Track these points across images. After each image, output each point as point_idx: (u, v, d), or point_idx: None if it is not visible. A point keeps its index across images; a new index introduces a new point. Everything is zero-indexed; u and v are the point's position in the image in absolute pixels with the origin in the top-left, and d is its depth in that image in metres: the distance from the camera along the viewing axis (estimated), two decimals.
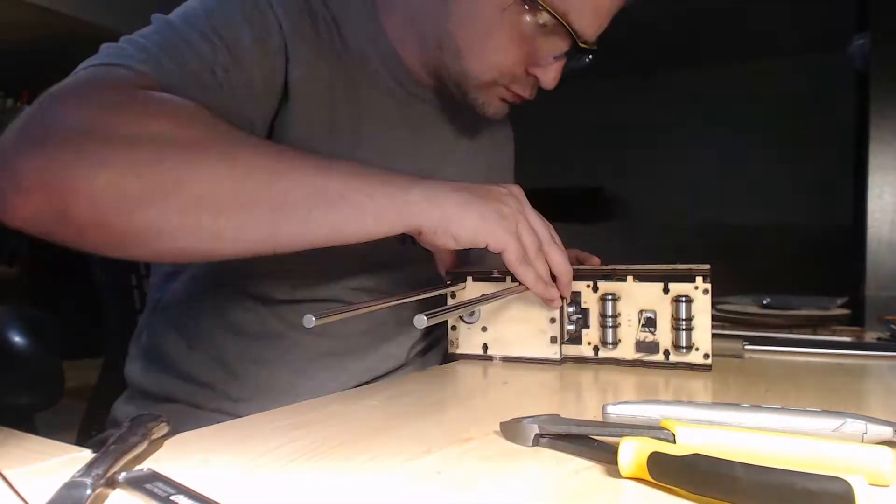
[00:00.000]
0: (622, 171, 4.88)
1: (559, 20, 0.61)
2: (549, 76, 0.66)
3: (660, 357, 0.59)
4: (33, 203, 0.43)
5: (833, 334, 0.91)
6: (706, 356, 0.58)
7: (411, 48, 0.70)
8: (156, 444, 0.34)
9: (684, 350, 0.58)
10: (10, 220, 0.44)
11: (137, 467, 0.30)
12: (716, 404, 0.40)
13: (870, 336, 0.89)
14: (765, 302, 1.07)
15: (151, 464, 0.31)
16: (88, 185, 0.42)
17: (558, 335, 0.61)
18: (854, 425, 0.37)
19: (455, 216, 0.52)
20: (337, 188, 0.49)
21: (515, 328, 0.61)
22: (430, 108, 0.75)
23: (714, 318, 1.07)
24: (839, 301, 1.05)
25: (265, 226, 0.48)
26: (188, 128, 0.47)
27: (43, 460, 0.32)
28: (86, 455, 0.32)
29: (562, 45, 0.64)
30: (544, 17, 0.61)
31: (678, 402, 0.40)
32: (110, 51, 0.53)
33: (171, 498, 0.27)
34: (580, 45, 0.63)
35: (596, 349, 0.61)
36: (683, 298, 0.58)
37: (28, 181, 0.43)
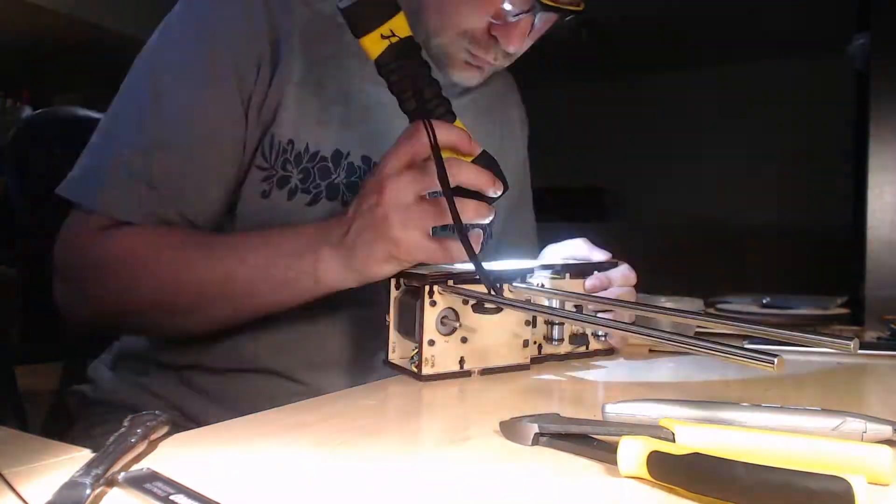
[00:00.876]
0: (623, 170, 4.87)
1: None
2: (512, 39, 0.62)
3: (583, 348, 0.64)
4: (75, 321, 0.68)
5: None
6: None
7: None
8: (154, 444, 0.34)
9: (602, 338, 0.65)
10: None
11: (136, 467, 0.30)
12: (715, 403, 0.40)
13: (870, 335, 0.89)
14: (764, 301, 1.07)
15: (151, 463, 0.31)
16: (106, 312, 0.63)
17: (530, 339, 0.58)
18: (853, 424, 0.37)
19: (354, 271, 0.55)
20: (248, 281, 0.58)
21: (493, 335, 0.56)
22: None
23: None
24: (839, 301, 1.05)
25: (226, 313, 0.61)
26: (149, 249, 0.60)
27: (42, 460, 0.32)
28: (85, 455, 0.32)
29: (521, 3, 0.61)
30: None
31: (677, 402, 0.40)
32: (82, 188, 0.61)
33: (171, 497, 0.27)
34: (543, 2, 0.60)
35: (540, 347, 0.62)
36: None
37: (68, 309, 0.64)
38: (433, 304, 0.53)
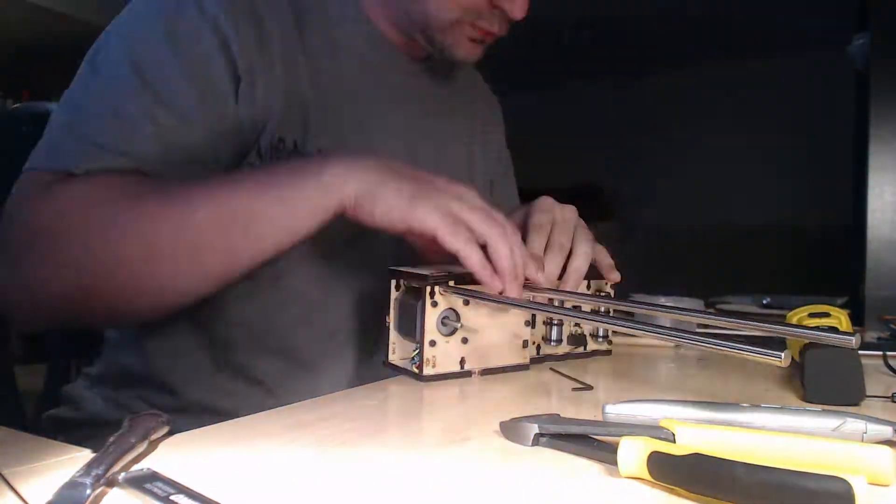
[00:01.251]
0: (622, 170, 4.88)
1: None
2: (517, 4, 0.62)
3: (580, 348, 0.64)
4: (27, 316, 0.56)
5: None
6: (609, 342, 0.66)
7: (379, 9, 0.68)
8: (155, 444, 0.34)
9: (601, 339, 0.65)
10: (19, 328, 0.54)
11: (137, 467, 0.30)
12: (715, 404, 0.40)
13: (870, 336, 0.89)
14: (764, 302, 1.07)
15: (151, 463, 0.31)
16: (60, 292, 0.51)
17: (529, 339, 0.57)
18: (854, 425, 0.37)
19: (374, 190, 0.48)
20: (245, 205, 0.50)
21: (493, 336, 0.56)
22: (409, 76, 0.73)
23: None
24: (839, 301, 1.05)
25: (187, 268, 0.51)
26: (99, 208, 0.51)
27: (42, 460, 0.32)
28: (86, 455, 0.32)
29: None
30: None
31: (677, 402, 0.40)
32: (35, 153, 0.54)
33: (171, 497, 0.27)
34: None
35: (538, 347, 0.61)
36: (604, 293, 0.65)
37: (12, 301, 0.54)
38: (434, 304, 0.52)
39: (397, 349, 0.57)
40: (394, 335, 0.56)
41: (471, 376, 0.54)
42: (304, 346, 0.65)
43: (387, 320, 0.56)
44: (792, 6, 3.48)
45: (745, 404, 0.39)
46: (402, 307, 0.56)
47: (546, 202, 0.63)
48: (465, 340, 0.54)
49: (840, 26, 2.39)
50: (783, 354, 0.34)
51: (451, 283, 0.53)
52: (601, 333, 0.65)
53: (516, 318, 0.57)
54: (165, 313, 0.56)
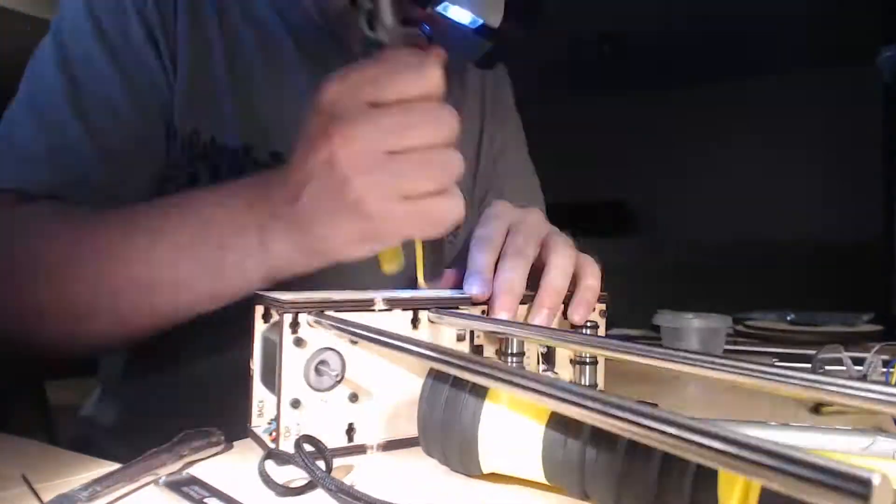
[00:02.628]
0: (647, 185, 4.85)
1: None
2: None
3: None
4: None
5: (865, 351, 0.89)
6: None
7: None
8: (192, 463, 0.34)
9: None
10: None
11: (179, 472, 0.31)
12: (741, 422, 0.39)
13: None
14: (788, 318, 1.06)
15: (201, 471, 0.32)
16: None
17: None
18: (884, 444, 0.37)
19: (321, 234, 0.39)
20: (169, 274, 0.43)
21: (400, 389, 0.37)
22: (332, 50, 0.63)
23: (742, 334, 1.06)
24: (865, 317, 1.03)
25: (110, 327, 0.46)
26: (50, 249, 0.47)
27: (74, 475, 0.32)
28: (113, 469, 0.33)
29: None
30: None
31: (707, 420, 0.40)
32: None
33: (205, 500, 0.28)
34: None
35: None
36: (589, 324, 0.44)
37: None
38: (299, 342, 0.34)
39: (266, 409, 0.39)
40: (259, 389, 0.39)
41: (365, 453, 0.37)
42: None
43: (251, 366, 0.39)
44: (819, 20, 3.45)
45: (773, 423, 0.39)
46: (265, 347, 0.38)
47: (495, 207, 0.47)
48: (353, 398, 0.36)
49: (867, 39, 2.36)
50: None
51: (329, 312, 0.35)
52: (587, 382, 0.44)
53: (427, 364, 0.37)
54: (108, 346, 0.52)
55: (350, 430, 0.36)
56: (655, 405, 0.47)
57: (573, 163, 4.98)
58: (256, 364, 0.39)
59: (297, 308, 0.34)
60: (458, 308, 0.39)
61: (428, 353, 0.30)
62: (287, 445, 0.34)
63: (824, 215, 4.18)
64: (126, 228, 0.45)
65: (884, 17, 1.88)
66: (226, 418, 0.40)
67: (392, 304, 0.37)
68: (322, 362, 0.35)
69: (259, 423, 0.39)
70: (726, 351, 0.83)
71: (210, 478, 0.30)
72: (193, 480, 0.29)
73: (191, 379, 0.60)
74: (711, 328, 0.77)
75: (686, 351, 0.27)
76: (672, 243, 4.28)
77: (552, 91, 4.48)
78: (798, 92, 4.31)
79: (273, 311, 0.38)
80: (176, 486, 0.29)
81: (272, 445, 0.35)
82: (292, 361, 0.34)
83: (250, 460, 0.34)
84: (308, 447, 0.31)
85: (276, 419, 0.35)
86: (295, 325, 0.34)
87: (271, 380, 0.36)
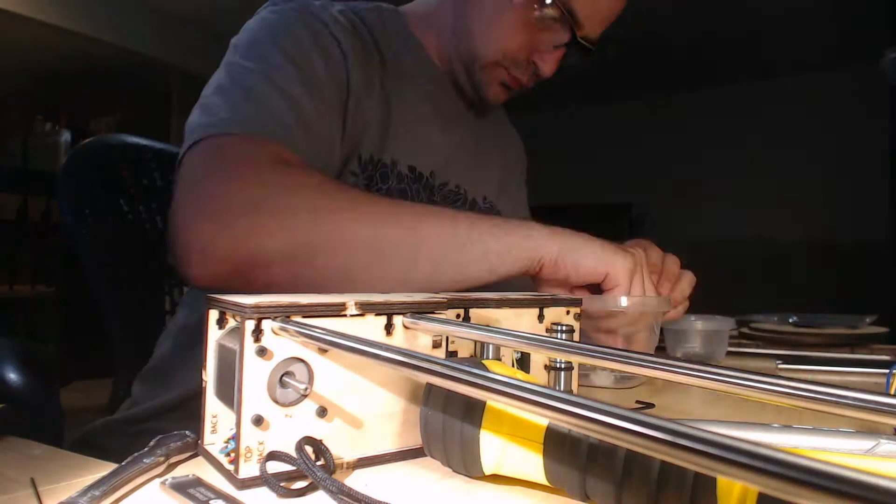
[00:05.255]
0: (652, 187, 4.84)
1: (563, 11, 0.67)
2: (548, 65, 0.71)
3: None
4: (216, 268, 0.50)
5: (871, 353, 0.89)
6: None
7: (433, 42, 0.76)
8: (174, 466, 0.34)
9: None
10: (192, 279, 0.51)
11: (183, 474, 0.31)
12: (743, 424, 0.39)
13: None
14: (791, 321, 1.05)
15: (204, 473, 0.32)
16: (263, 254, 0.50)
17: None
18: (888, 446, 0.37)
19: (577, 246, 0.54)
20: (465, 233, 0.53)
21: (372, 402, 0.35)
22: (456, 104, 0.80)
23: (746, 336, 1.06)
24: (868, 319, 1.03)
25: (399, 273, 0.52)
26: (325, 196, 0.53)
27: (79, 477, 0.32)
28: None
29: (563, 37, 0.69)
30: (550, 10, 0.67)
31: (705, 423, 0.40)
32: (218, 118, 0.56)
33: (211, 502, 0.28)
34: (579, 39, 0.69)
35: None
36: (562, 327, 0.44)
37: (213, 252, 0.50)
38: (262, 351, 0.31)
39: (220, 424, 0.35)
40: (214, 402, 0.35)
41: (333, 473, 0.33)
42: None
43: (203, 377, 0.35)
44: (823, 22, 3.44)
45: (775, 425, 0.39)
46: (221, 356, 0.35)
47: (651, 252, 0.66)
48: (322, 412, 0.33)
49: (873, 41, 2.35)
50: None
51: (296, 317, 0.32)
52: (562, 388, 0.45)
53: (403, 374, 0.35)
54: None
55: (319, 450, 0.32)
56: (652, 405, 0.46)
57: (581, 166, 4.98)
58: (210, 375, 0.35)
59: (261, 313, 0.30)
60: (433, 313, 0.37)
61: (416, 363, 0.26)
62: (248, 469, 0.30)
63: (829, 217, 4.17)
64: (406, 209, 0.55)
65: (890, 18, 1.87)
66: None
67: (364, 308, 0.34)
68: (287, 374, 0.32)
69: (213, 441, 0.35)
70: (730, 353, 0.83)
71: (214, 480, 0.31)
72: (199, 482, 0.30)
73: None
74: (715, 330, 0.77)
75: (660, 357, 0.27)
76: (676, 245, 4.28)
77: (557, 95, 4.48)
78: (802, 93, 4.30)
79: (230, 317, 0.35)
80: (181, 487, 0.29)
81: (229, 467, 0.31)
82: (254, 373, 0.31)
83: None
84: (309, 448, 0.31)
85: (236, 439, 0.30)
86: (258, 333, 0.31)
87: (228, 393, 0.33)
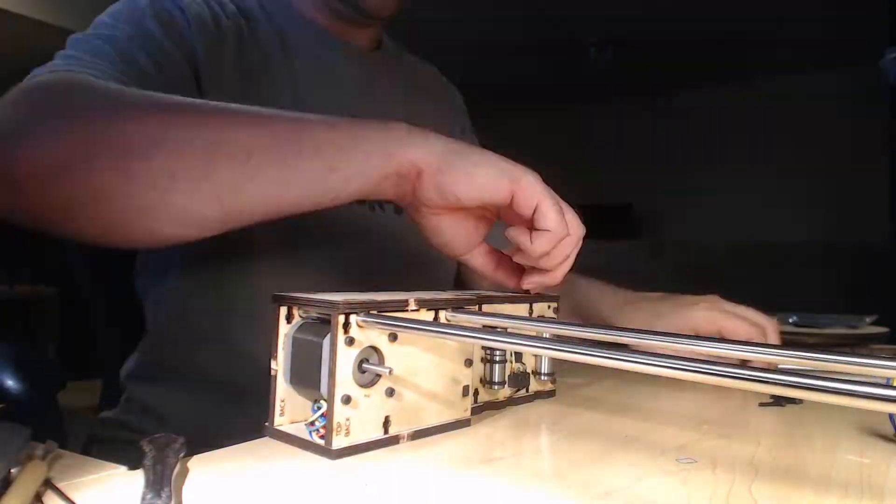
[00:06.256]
0: (652, 188, 4.84)
1: None
2: None
3: (523, 391, 0.49)
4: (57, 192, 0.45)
5: (871, 353, 0.88)
6: (554, 381, 0.51)
7: (307, 2, 0.71)
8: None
9: (544, 377, 0.50)
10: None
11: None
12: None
13: None
14: (791, 321, 1.05)
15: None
16: (44, 161, 0.44)
17: (471, 384, 0.43)
18: None
19: (467, 151, 0.42)
20: (317, 136, 0.43)
21: (425, 383, 0.41)
22: (362, 67, 0.73)
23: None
24: (868, 319, 1.02)
25: (243, 184, 0.42)
26: (148, 99, 0.46)
27: (98, 482, 0.32)
28: (121, 471, 0.33)
29: None
30: None
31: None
32: (70, 60, 0.53)
33: None
34: None
35: (476, 394, 0.46)
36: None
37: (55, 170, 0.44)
38: (350, 342, 0.36)
39: (287, 408, 0.40)
40: (283, 388, 0.40)
41: (398, 443, 0.39)
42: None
43: (272, 366, 0.40)
44: (822, 22, 3.44)
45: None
46: (298, 347, 0.39)
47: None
48: (390, 392, 0.38)
49: (872, 41, 2.35)
50: None
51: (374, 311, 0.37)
52: (545, 370, 0.50)
53: (453, 357, 0.42)
54: (169, 237, 0.45)
55: (386, 423, 0.38)
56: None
57: (581, 167, 4.98)
58: (281, 364, 0.40)
59: (350, 309, 0.37)
60: (469, 307, 0.43)
61: (477, 336, 0.34)
62: (340, 441, 0.36)
63: (829, 217, 4.17)
64: (235, 117, 0.44)
65: (889, 18, 1.87)
66: (240, 418, 0.43)
67: (420, 304, 0.40)
68: (365, 359, 0.37)
69: (281, 423, 0.40)
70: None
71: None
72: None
73: (205, 380, 0.63)
74: None
75: (636, 353, 0.28)
76: (674, 245, 4.28)
77: (556, 97, 4.48)
78: (803, 94, 4.30)
79: (296, 312, 0.40)
80: None
81: (319, 441, 0.37)
82: (344, 360, 0.36)
83: (268, 459, 0.36)
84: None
85: (330, 416, 0.36)
86: (347, 326, 0.36)
87: (307, 379, 0.38)
